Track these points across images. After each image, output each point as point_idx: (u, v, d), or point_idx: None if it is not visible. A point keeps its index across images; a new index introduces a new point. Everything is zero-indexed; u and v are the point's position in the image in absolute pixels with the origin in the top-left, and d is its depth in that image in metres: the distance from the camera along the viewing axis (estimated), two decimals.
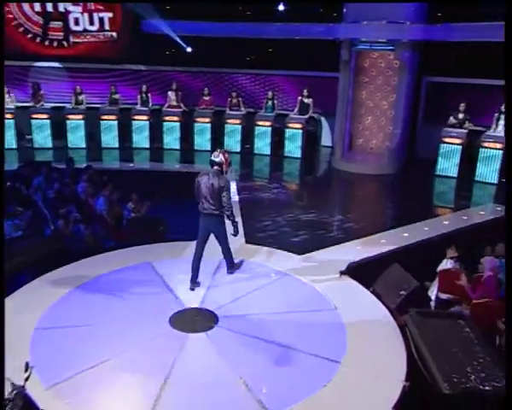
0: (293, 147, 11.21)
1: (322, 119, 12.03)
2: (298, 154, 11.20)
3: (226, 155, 5.45)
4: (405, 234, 7.03)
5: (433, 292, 6.07)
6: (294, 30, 11.14)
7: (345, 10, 10.27)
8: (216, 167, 5.41)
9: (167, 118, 11.50)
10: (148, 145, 11.56)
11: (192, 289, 5.52)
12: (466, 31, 9.52)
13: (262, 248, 6.52)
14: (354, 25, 9.92)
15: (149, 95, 11.68)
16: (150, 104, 11.66)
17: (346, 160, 10.70)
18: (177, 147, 11.54)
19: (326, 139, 12.08)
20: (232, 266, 5.93)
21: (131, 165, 10.43)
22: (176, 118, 11.52)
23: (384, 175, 10.17)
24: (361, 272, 5.99)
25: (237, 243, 6.59)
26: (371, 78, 10.99)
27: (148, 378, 4.15)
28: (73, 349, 4.46)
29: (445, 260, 6.07)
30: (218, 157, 5.40)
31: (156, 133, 11.57)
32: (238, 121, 11.44)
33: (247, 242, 6.66)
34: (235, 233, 5.54)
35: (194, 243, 6.46)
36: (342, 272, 5.93)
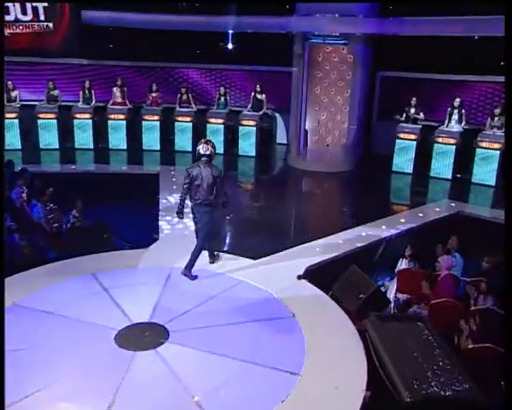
0: (247, 145, 11.09)
1: (277, 115, 11.98)
2: (252, 152, 11.08)
3: (212, 144, 5.72)
4: (363, 233, 7.09)
5: (391, 293, 6.14)
6: (245, 23, 11.06)
7: (297, 3, 10.25)
8: (204, 159, 5.66)
9: (112, 116, 11.11)
10: (92, 145, 11.13)
11: (212, 262, 6.06)
12: (417, 25, 9.73)
13: (215, 254, 6.31)
14: (306, 18, 9.96)
15: (92, 91, 11.23)
16: (93, 101, 11.24)
17: (302, 157, 10.74)
18: (124, 147, 11.16)
19: (281, 136, 12.03)
20: (190, 267, 5.82)
21: (73, 167, 9.98)
22: (122, 116, 11.14)
23: (340, 172, 10.27)
24: (319, 275, 5.96)
25: (190, 249, 6.45)
26: (325, 72, 11.09)
27: (89, 406, 3.87)
28: (6, 377, 4.09)
29: (400, 260, 6.15)
30: (207, 150, 5.65)
31: (101, 132, 11.19)
32: (189, 119, 11.22)
33: None
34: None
35: (141, 251, 6.35)
36: (300, 277, 5.87)
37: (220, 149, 11.05)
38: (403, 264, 6.11)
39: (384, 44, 10.33)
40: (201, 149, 5.63)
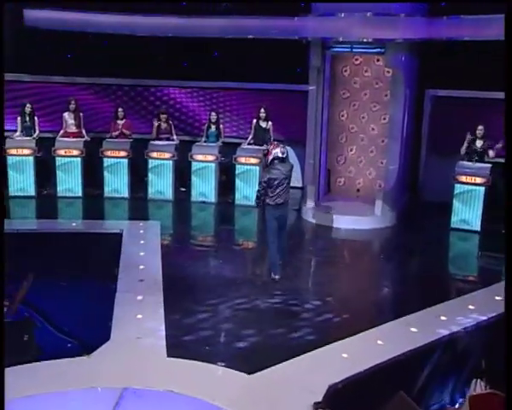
0: (248, 190, 10.81)
1: (289, 149, 11.52)
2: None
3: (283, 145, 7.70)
4: (412, 329, 6.36)
5: None
6: (246, 26, 11.01)
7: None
8: (277, 161, 7.46)
9: (63, 151, 10.96)
10: (33, 192, 10.94)
11: (275, 279, 7.60)
12: (483, 26, 9.34)
13: (190, 364, 5.60)
14: (327, 19, 9.70)
15: (35, 118, 11.14)
16: (36, 131, 11.08)
17: (323, 208, 10.30)
18: (79, 193, 11.07)
19: (294, 178, 11.46)
20: (278, 267, 7.63)
21: None
22: (75, 151, 11.01)
23: (377, 230, 9.85)
24: (348, 400, 5.20)
25: (151, 355, 5.76)
26: (354, 92, 10.83)
27: None
28: None
29: (473, 381, 5.32)
30: (284, 153, 7.53)
31: (47, 173, 11.05)
32: (168, 155, 11.07)
33: (168, 354, 5.74)
34: None
35: (79, 361, 5.64)
36: (318, 405, 5.03)
37: (211, 196, 11.01)
38: (477, 386, 5.24)
39: (436, 53, 10.06)
40: (279, 152, 7.44)
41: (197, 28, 11.13)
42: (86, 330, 6.41)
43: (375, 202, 10.05)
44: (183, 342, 6.02)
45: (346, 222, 9.89)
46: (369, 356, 5.74)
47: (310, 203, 10.29)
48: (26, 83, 11.86)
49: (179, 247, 9.10)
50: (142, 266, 7.79)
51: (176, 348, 5.83)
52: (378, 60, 10.44)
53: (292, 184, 11.43)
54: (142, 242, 8.71)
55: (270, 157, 7.45)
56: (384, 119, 10.59)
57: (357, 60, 10.68)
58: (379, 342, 6.06)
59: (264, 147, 10.80)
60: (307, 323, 6.60)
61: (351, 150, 11.06)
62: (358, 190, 11.07)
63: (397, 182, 10.15)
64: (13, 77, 11.62)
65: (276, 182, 7.39)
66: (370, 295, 7.54)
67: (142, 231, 9.20)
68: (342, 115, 10.92)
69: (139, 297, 6.91)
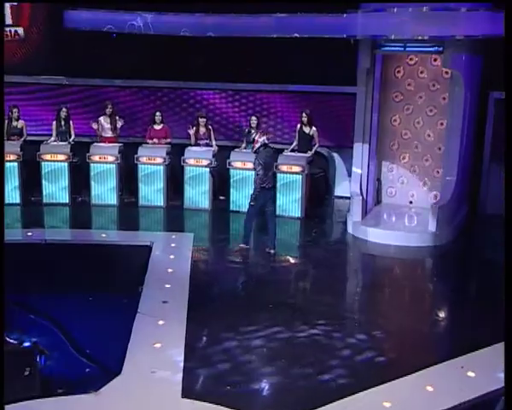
0: (289, 200, 10.51)
1: (336, 156, 11.72)
2: (296, 211, 10.47)
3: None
4: (470, 373, 5.62)
5: None
6: (289, 24, 10.36)
7: None
8: (263, 147, 8.33)
9: (98, 157, 10.74)
10: (67, 199, 10.77)
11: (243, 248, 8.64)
12: None
13: (206, 408, 4.98)
14: (378, 15, 9.16)
15: (71, 122, 11.08)
16: (72, 136, 10.99)
17: (371, 222, 9.81)
18: (113, 201, 10.85)
19: (342, 186, 11.72)
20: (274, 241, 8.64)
21: (30, 234, 9.10)
22: (111, 157, 10.78)
23: (431, 248, 9.21)
24: None
25: (164, 395, 5.18)
26: (408, 95, 10.47)
27: None
28: None
29: None
30: (269, 139, 8.57)
31: (81, 180, 10.91)
32: (206, 162, 10.72)
33: (183, 395, 5.15)
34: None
35: (84, 399, 5.14)
36: None
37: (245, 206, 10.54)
38: None
39: (502, 52, 9.06)
40: (266, 139, 8.32)
41: (240, 27, 10.60)
42: (99, 360, 5.84)
43: (429, 217, 9.50)
44: (202, 380, 5.44)
45: (396, 238, 9.35)
46: (415, 406, 5.13)
47: (356, 216, 9.80)
48: (64, 87, 11.92)
49: (212, 263, 8.64)
50: (167, 285, 7.31)
51: (193, 386, 5.28)
52: (435, 59, 10.02)
53: (338, 194, 11.64)
54: (171, 256, 8.29)
55: (257, 145, 8.32)
56: (441, 124, 10.17)
57: (411, 60, 10.28)
58: (428, 388, 5.36)
59: (308, 153, 10.59)
60: (344, 361, 5.91)
61: (403, 158, 10.68)
62: (411, 203, 10.66)
63: (454, 194, 9.60)
64: (51, 80, 11.84)
65: (266, 167, 8.27)
66: (419, 328, 6.81)
67: (173, 245, 8.79)
68: (394, 120, 10.60)
69: (160, 322, 6.40)
